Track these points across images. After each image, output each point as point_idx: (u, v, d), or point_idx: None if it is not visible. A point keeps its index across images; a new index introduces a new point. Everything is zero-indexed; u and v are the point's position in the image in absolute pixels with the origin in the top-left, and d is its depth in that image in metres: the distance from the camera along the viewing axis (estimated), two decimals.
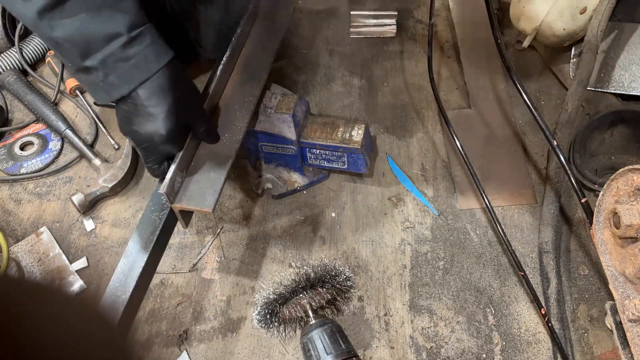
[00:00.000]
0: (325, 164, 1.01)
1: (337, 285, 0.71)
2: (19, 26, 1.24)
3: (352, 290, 0.73)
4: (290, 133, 0.95)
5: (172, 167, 0.77)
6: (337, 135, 0.96)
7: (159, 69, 0.71)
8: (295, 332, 0.72)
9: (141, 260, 0.77)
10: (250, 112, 0.90)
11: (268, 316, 0.69)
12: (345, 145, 0.95)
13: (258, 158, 1.03)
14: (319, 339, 0.66)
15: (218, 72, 0.90)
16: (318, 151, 0.98)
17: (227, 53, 0.92)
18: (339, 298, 0.73)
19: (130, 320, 0.75)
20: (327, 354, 0.64)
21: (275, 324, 0.70)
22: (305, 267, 0.69)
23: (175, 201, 0.79)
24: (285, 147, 0.98)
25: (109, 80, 0.69)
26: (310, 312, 0.69)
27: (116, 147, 1.13)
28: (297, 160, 1.00)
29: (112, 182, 1.04)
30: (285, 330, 0.72)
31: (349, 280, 0.71)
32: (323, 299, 0.71)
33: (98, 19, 0.67)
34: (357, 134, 0.96)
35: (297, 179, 1.03)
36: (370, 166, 1.05)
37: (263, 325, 0.70)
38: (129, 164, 1.06)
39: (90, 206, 1.03)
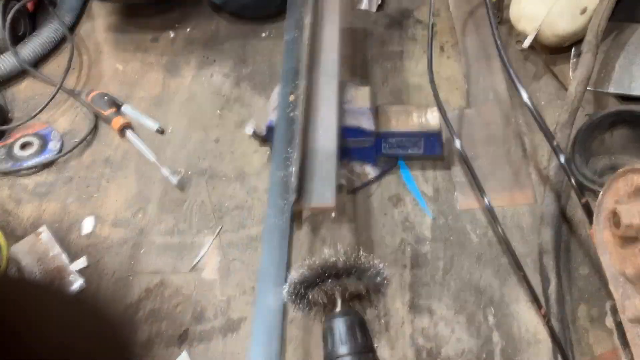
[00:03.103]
0: (400, 151, 1.02)
1: (369, 281, 0.71)
2: (20, 25, 1.24)
3: (383, 288, 0.73)
4: (369, 125, 0.97)
5: (294, 169, 0.77)
6: (414, 121, 0.99)
7: None
8: (321, 317, 0.72)
9: (282, 259, 0.77)
10: (335, 104, 0.89)
11: (297, 296, 0.69)
12: (424, 130, 0.98)
13: None
14: (337, 328, 0.66)
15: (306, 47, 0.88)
16: (394, 139, 1.00)
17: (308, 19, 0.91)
18: (371, 293, 0.73)
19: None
20: (342, 344, 0.65)
21: (304, 304, 0.70)
22: (339, 256, 0.70)
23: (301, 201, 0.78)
24: (363, 139, 0.99)
25: None
26: (339, 301, 0.70)
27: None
28: (373, 151, 1.01)
29: None
30: (310, 312, 0.72)
31: (381, 276, 0.71)
32: (354, 291, 0.71)
33: None
34: (433, 117, 0.99)
35: (369, 171, 1.05)
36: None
37: (292, 302, 0.70)
38: None
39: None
